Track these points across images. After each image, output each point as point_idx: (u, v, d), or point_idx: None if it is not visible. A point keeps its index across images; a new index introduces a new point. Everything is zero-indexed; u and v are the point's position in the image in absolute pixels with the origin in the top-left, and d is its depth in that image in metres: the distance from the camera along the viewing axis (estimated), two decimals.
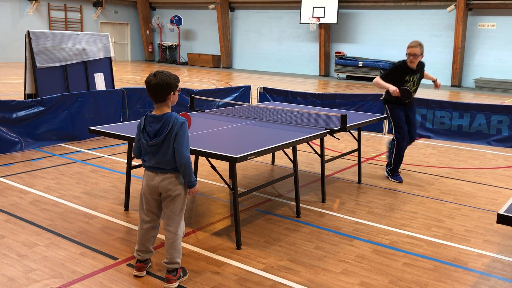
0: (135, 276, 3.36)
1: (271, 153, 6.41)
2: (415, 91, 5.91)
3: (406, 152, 7.57)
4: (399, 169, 6.10)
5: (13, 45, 22.39)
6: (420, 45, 5.60)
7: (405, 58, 5.72)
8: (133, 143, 3.33)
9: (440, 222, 4.62)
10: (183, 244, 3.87)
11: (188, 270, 3.45)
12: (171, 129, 3.07)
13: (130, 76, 19.31)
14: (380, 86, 5.78)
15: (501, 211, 2.66)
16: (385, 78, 5.79)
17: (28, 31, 8.04)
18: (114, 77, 9.57)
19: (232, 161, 3.58)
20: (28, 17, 23.41)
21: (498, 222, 2.64)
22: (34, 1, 23.23)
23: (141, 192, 3.33)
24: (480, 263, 3.79)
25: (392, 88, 5.60)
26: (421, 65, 5.84)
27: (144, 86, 3.27)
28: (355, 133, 5.96)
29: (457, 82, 19.22)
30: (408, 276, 3.51)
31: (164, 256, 3.34)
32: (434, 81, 6.14)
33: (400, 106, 5.87)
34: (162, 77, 3.05)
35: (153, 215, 3.31)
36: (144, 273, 3.38)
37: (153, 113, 3.15)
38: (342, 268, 3.59)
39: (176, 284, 3.25)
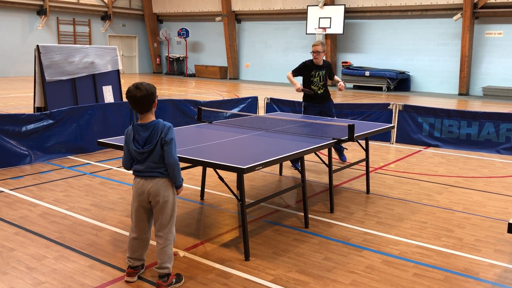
0: (126, 282, 3.41)
1: (278, 164, 6.41)
2: (324, 85, 6.65)
3: (415, 161, 7.55)
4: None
5: (23, 59, 22.68)
6: (322, 43, 6.54)
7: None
8: (122, 157, 3.45)
9: (450, 231, 4.58)
10: (191, 256, 3.87)
11: (196, 282, 3.45)
12: (161, 135, 3.20)
13: None
14: (289, 80, 6.64)
15: None
16: (294, 72, 6.70)
17: (38, 45, 8.15)
18: (122, 89, 9.65)
19: (240, 172, 3.57)
20: (37, 31, 23.74)
21: (509, 231, 2.62)
22: (43, 16, 23.57)
23: (131, 203, 3.41)
24: (492, 273, 3.74)
25: (296, 86, 6.47)
26: (327, 64, 6.68)
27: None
28: (362, 142, 5.94)
29: (464, 90, 19.15)
30: (418, 287, 3.47)
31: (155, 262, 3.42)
32: (338, 82, 6.68)
33: (315, 104, 6.70)
34: (146, 88, 3.18)
35: (144, 224, 3.39)
36: (135, 278, 3.45)
37: (140, 122, 3.27)
38: (351, 280, 3.56)
39: None
